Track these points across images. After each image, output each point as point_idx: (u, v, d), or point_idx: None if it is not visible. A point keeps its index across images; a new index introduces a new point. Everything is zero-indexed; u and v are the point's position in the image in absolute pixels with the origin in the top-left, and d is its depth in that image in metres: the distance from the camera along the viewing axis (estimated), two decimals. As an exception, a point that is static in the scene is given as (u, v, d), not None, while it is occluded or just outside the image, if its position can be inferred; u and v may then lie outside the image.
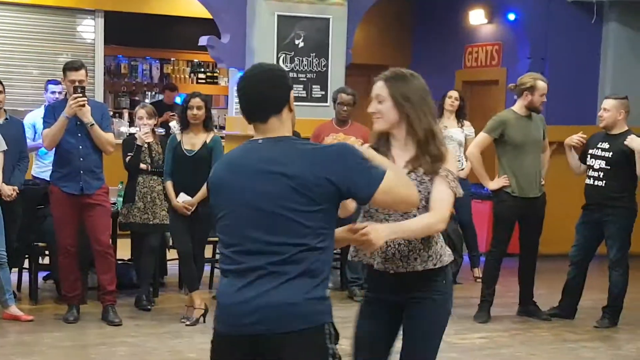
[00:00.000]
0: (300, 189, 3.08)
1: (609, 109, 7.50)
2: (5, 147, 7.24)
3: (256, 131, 3.24)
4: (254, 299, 3.09)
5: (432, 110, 3.83)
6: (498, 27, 12.14)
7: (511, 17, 11.42)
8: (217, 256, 7.90)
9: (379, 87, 3.80)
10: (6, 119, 7.78)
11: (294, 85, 9.79)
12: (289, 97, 3.25)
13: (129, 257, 8.58)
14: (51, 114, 7.14)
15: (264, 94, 3.19)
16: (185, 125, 7.37)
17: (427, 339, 3.87)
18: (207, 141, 7.31)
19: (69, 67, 7.05)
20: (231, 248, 3.18)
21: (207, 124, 7.38)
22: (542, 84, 7.51)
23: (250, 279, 3.11)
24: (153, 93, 14.39)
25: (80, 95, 6.90)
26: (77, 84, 6.93)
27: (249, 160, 3.19)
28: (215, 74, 14.89)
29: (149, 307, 7.72)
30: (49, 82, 8.70)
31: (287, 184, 3.08)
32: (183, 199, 7.25)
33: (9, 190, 7.43)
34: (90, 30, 12.53)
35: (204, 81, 14.79)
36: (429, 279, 3.81)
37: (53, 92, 8.47)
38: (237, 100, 10.53)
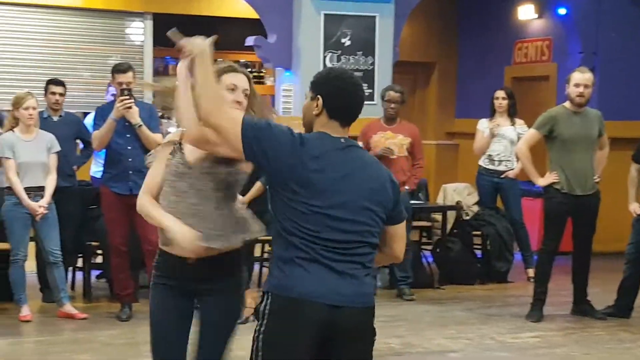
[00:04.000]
0: None
1: None
2: (59, 148, 7.34)
3: (338, 133, 3.39)
4: None
5: None
6: (548, 22, 11.99)
7: (562, 11, 11.30)
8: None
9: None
10: (60, 115, 8.02)
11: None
12: None
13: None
14: (100, 116, 7.22)
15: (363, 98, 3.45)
16: None
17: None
18: None
19: (117, 69, 7.16)
20: None
21: None
22: (575, 75, 7.41)
23: None
24: (201, 94, 14.40)
25: (127, 97, 6.98)
26: (124, 86, 7.02)
27: None
28: (261, 74, 14.91)
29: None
30: (110, 84, 8.56)
31: None
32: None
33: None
34: (139, 32, 12.62)
35: (251, 81, 14.80)
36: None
37: (113, 95, 8.46)
38: (284, 100, 10.44)
